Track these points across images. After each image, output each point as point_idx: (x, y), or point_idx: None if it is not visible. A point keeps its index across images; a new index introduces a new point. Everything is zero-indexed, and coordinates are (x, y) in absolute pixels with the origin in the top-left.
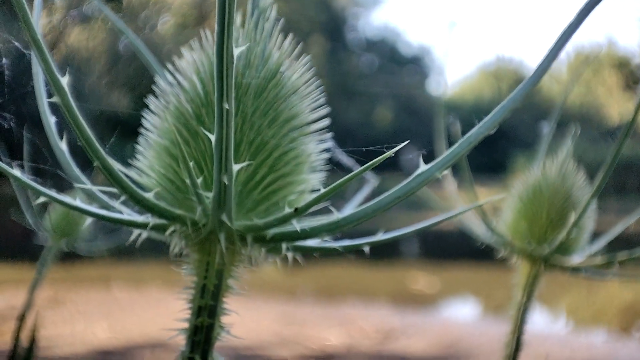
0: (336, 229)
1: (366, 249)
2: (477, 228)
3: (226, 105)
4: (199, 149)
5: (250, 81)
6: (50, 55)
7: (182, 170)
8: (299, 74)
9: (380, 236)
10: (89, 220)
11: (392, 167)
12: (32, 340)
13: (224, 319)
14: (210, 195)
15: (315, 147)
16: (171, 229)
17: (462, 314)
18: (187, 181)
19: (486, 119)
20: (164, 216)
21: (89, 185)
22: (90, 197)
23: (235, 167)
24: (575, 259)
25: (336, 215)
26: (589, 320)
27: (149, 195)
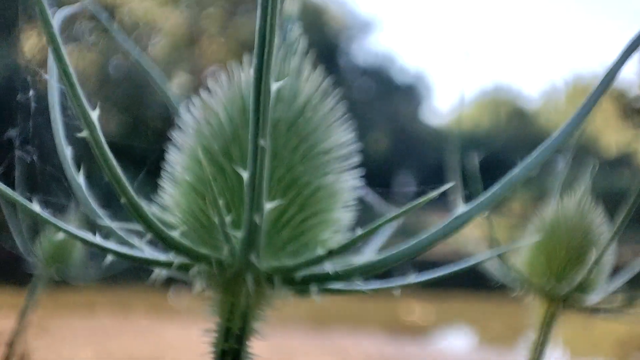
0: (371, 272)
1: (397, 290)
2: (490, 263)
3: (262, 142)
4: (226, 186)
5: (281, 115)
6: (80, 89)
7: (208, 208)
8: (329, 108)
9: (413, 278)
10: (80, 247)
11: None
12: None
13: None
14: (239, 234)
15: (347, 183)
16: (195, 268)
17: (457, 344)
18: (215, 219)
19: (528, 159)
20: (189, 255)
21: (109, 222)
22: (86, 223)
23: (268, 206)
24: (595, 298)
25: (371, 257)
26: (585, 353)
27: (175, 234)
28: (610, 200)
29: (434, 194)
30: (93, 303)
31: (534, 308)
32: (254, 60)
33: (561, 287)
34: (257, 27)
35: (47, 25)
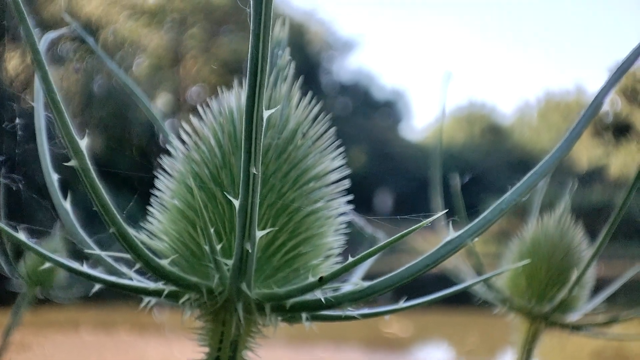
0: (361, 299)
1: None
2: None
3: (254, 170)
4: (217, 213)
5: (271, 142)
6: (69, 117)
7: (198, 235)
8: (319, 134)
9: (402, 304)
10: (66, 282)
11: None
12: None
13: None
14: (229, 262)
15: (337, 209)
16: (185, 297)
17: (435, 358)
18: (205, 247)
19: (518, 184)
20: (178, 284)
21: (97, 250)
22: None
23: (259, 234)
24: (576, 317)
25: (361, 284)
26: None
27: (164, 263)
28: (582, 214)
29: (426, 221)
30: (75, 320)
31: (515, 324)
32: (247, 89)
33: (543, 306)
34: (249, 56)
35: (35, 53)
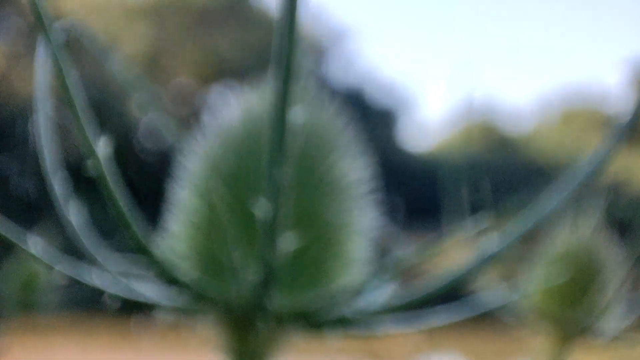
0: (392, 313)
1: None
2: (498, 293)
3: (279, 177)
4: (238, 224)
5: (296, 149)
6: (87, 120)
7: (216, 247)
8: (345, 138)
9: (433, 320)
10: (46, 276)
11: None
12: None
13: None
14: (251, 276)
15: (367, 218)
16: (203, 312)
17: None
18: (224, 260)
19: (559, 191)
20: (196, 299)
21: (107, 263)
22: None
23: (284, 246)
24: (612, 330)
25: (393, 299)
26: None
27: (185, 276)
28: (612, 225)
29: (463, 233)
30: (53, 332)
31: (546, 338)
32: (274, 89)
33: (577, 317)
34: (275, 53)
35: (53, 49)
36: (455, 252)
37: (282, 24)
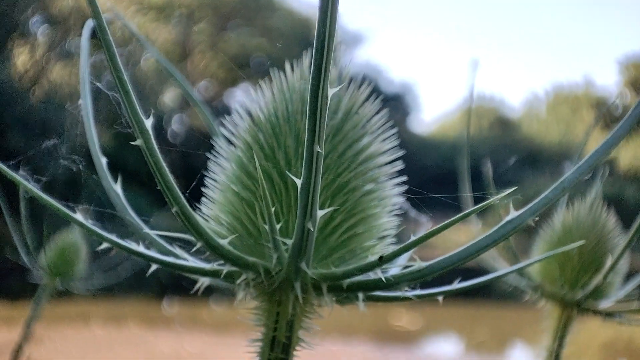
0: (419, 279)
1: (439, 297)
2: (504, 270)
3: (318, 149)
4: (274, 194)
5: (327, 122)
6: (135, 97)
7: (254, 216)
8: (371, 115)
9: (456, 285)
10: (84, 258)
11: None
12: None
13: None
14: (288, 241)
15: (391, 189)
16: (242, 277)
17: (444, 350)
18: (264, 227)
19: (580, 163)
20: (236, 264)
21: (150, 231)
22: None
23: (320, 213)
24: (609, 304)
25: (420, 264)
26: (570, 357)
27: (224, 242)
28: (609, 203)
29: (492, 200)
30: (87, 315)
31: (546, 313)
32: (313, 67)
33: (575, 293)
34: (315, 32)
35: (102, 31)
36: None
37: (322, 3)
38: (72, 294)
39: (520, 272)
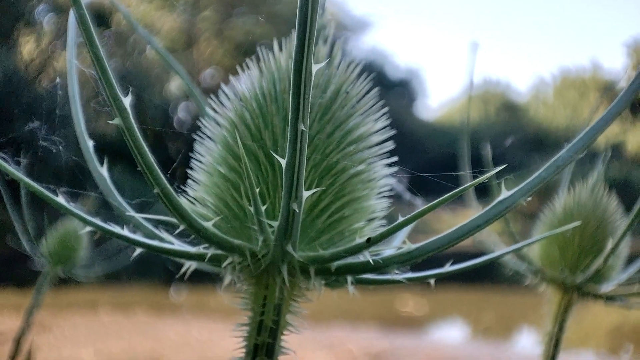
0: (409, 261)
1: (431, 280)
2: (499, 251)
3: (302, 127)
4: (260, 175)
5: (315, 101)
6: (113, 75)
7: (239, 197)
8: (361, 95)
9: (448, 268)
10: (85, 246)
11: None
12: None
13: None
14: (274, 223)
15: (381, 170)
16: (228, 260)
17: (451, 336)
18: (249, 209)
19: (574, 141)
20: (222, 247)
21: (134, 213)
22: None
23: (306, 194)
24: (610, 288)
25: (409, 246)
26: (576, 342)
27: (209, 224)
28: (611, 186)
29: (476, 181)
30: (94, 301)
31: (547, 298)
32: (295, 42)
33: (576, 277)
34: (298, 7)
35: (77, 5)
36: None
37: None
38: (79, 281)
39: (520, 256)
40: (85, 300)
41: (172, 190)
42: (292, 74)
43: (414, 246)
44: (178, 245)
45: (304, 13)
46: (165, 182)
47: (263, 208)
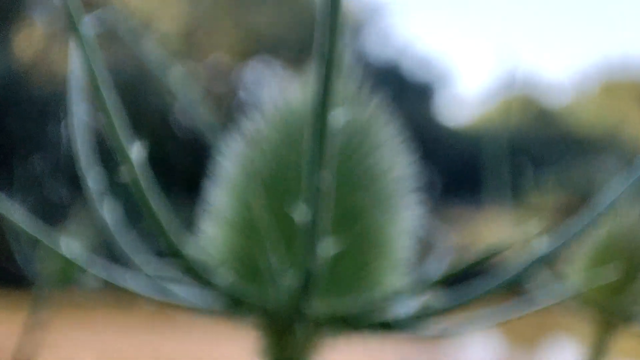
0: (438, 315)
1: None
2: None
3: (321, 179)
4: (277, 228)
5: (336, 149)
6: (119, 120)
7: (254, 252)
8: (381, 126)
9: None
10: (83, 269)
11: None
12: None
13: None
14: (290, 282)
15: (409, 214)
16: (240, 316)
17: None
18: (262, 264)
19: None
20: (233, 303)
21: (146, 267)
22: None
23: (325, 251)
24: None
25: (440, 302)
26: None
27: (222, 280)
28: None
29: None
30: (94, 314)
31: (588, 326)
32: (315, 90)
33: (622, 304)
34: (317, 46)
35: (78, 36)
36: (496, 228)
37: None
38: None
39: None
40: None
41: (181, 248)
42: (311, 121)
43: (444, 303)
44: (186, 297)
45: (325, 53)
46: (175, 239)
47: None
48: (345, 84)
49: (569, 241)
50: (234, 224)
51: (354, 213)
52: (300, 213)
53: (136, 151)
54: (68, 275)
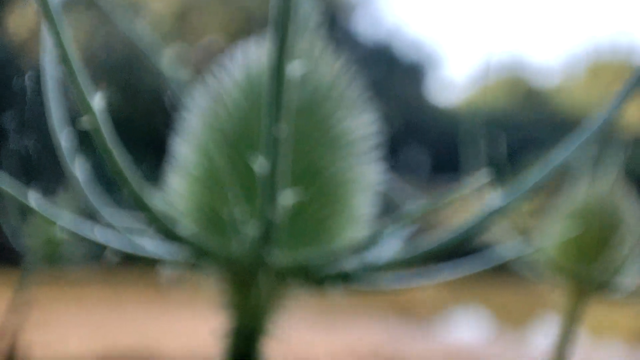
0: (396, 269)
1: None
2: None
3: (279, 128)
4: (238, 176)
5: (294, 102)
6: (80, 73)
7: (216, 201)
8: (345, 85)
9: (444, 273)
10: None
11: None
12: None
13: None
14: (251, 231)
15: (371, 168)
16: (204, 267)
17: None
18: (225, 215)
19: (568, 144)
20: (196, 253)
21: (108, 216)
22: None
23: (284, 199)
24: (628, 283)
25: (396, 253)
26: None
27: (182, 230)
28: (631, 180)
29: (471, 185)
30: (83, 292)
31: (561, 293)
32: (271, 39)
33: (594, 272)
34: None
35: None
36: (470, 205)
37: None
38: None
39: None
40: (75, 293)
41: (143, 195)
42: (268, 74)
43: (401, 255)
44: (151, 250)
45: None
46: (136, 185)
47: (239, 213)
48: (311, 45)
49: (522, 195)
50: (197, 175)
51: (316, 168)
52: (259, 165)
53: (97, 101)
54: (54, 250)
